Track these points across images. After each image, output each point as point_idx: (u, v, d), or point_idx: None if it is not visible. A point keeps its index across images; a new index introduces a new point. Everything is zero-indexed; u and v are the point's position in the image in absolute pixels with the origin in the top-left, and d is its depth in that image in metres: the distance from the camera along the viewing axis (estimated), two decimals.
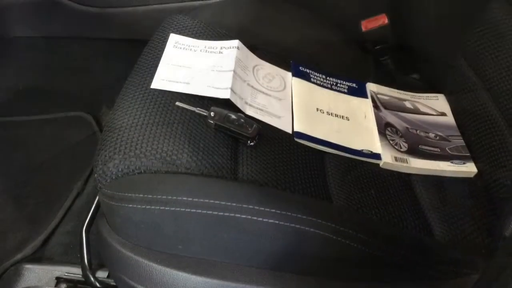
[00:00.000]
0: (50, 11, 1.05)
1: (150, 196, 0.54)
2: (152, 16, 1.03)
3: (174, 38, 0.81)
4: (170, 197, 0.53)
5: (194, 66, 0.76)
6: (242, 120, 0.65)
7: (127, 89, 0.69)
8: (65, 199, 0.91)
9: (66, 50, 1.15)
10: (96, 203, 0.73)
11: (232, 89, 0.71)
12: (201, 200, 0.53)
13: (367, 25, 0.89)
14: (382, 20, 0.88)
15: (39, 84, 1.13)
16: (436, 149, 0.76)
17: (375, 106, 0.83)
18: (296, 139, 0.71)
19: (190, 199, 0.53)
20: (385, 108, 0.84)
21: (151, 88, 0.69)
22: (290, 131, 0.72)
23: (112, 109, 0.66)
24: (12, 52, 1.15)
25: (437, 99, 0.86)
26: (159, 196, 0.54)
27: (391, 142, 0.77)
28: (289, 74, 0.83)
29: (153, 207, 0.53)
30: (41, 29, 1.14)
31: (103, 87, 1.12)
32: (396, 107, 0.84)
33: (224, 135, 0.65)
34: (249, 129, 0.64)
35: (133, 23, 1.06)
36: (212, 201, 0.53)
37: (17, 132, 1.05)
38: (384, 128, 0.79)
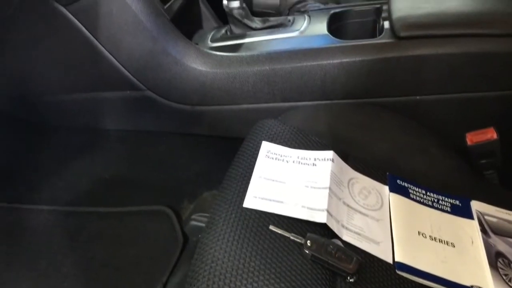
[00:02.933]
0: (143, 107, 1.09)
1: None
2: (241, 115, 1.03)
3: (266, 147, 0.79)
4: None
5: (288, 181, 0.72)
6: (341, 252, 0.59)
7: (220, 206, 0.66)
8: None
9: (153, 143, 1.17)
10: None
11: (328, 211, 0.66)
12: None
13: (472, 138, 0.82)
14: (491, 134, 0.81)
15: (125, 175, 1.15)
16: None
17: (483, 230, 0.74)
18: (398, 272, 0.64)
19: None
20: (494, 233, 0.75)
21: (244, 207, 0.65)
22: (390, 260, 0.65)
23: (205, 229, 0.63)
24: (102, 143, 1.19)
25: None
26: None
27: (504, 277, 0.67)
28: (386, 188, 0.77)
29: None
30: (132, 123, 1.17)
31: (185, 181, 1.12)
32: (507, 233, 0.75)
33: (321, 267, 0.60)
34: (349, 263, 0.58)
35: (221, 121, 1.06)
36: None
37: (99, 224, 1.06)
38: (495, 259, 0.70)
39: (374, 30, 1.10)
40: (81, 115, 1.18)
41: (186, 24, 1.15)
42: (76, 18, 0.95)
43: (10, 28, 0.99)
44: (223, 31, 1.14)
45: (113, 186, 1.14)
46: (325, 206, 0.67)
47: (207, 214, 1.00)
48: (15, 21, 0.97)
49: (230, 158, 0.82)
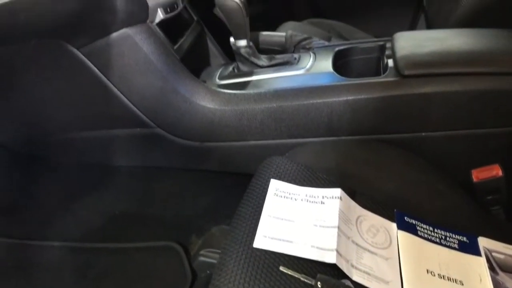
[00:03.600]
0: (152, 144, 1.10)
1: None
2: (248, 151, 1.05)
3: (274, 185, 0.80)
4: None
5: (297, 219, 0.73)
6: None
7: (230, 246, 0.67)
8: None
9: (162, 179, 1.19)
10: None
11: (337, 251, 0.67)
12: None
13: (478, 175, 0.84)
14: (496, 171, 0.82)
15: (134, 211, 1.16)
16: None
17: (491, 268, 0.75)
18: None
19: None
20: (502, 270, 0.75)
21: (254, 247, 0.66)
22: None
23: (216, 270, 0.64)
24: (111, 179, 1.20)
25: None
26: None
27: None
28: (394, 225, 0.78)
29: None
30: (141, 160, 1.19)
31: (193, 217, 1.13)
32: None
33: None
34: None
35: (229, 157, 1.08)
36: None
37: (108, 260, 1.07)
38: None
39: (378, 67, 1.12)
40: (91, 152, 1.20)
41: (195, 61, 1.18)
42: (89, 60, 0.98)
43: (24, 69, 1.02)
44: (230, 68, 1.17)
45: (122, 221, 1.15)
46: (334, 246, 0.67)
47: (215, 250, 1.02)
48: (29, 62, 1.00)
49: (238, 194, 0.83)
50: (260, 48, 1.23)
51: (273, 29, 1.56)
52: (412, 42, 0.98)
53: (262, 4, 1.98)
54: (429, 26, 1.61)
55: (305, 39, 1.24)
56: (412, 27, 1.89)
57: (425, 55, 0.93)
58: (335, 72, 1.03)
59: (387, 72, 0.97)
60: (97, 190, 1.21)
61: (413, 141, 0.94)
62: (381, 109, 0.93)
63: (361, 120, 0.95)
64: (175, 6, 1.06)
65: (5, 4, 0.64)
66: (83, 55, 0.97)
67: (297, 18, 1.71)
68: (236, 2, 0.99)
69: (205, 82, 1.11)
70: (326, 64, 1.08)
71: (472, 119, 0.90)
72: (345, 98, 0.94)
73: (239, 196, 0.82)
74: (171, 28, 1.08)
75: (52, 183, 1.24)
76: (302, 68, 1.07)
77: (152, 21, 1.00)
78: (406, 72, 0.91)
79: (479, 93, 0.88)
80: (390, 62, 0.99)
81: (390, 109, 0.93)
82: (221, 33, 1.16)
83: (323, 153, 0.93)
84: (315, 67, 1.07)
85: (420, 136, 0.94)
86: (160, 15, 1.01)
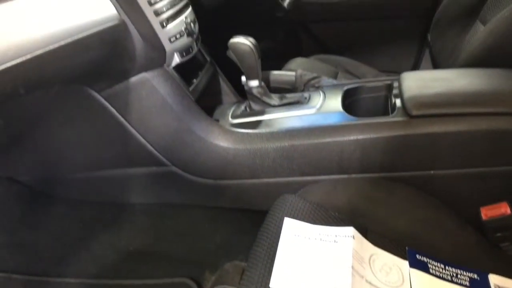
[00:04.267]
0: (167, 181, 1.13)
1: None
2: (261, 189, 1.07)
3: (288, 224, 0.82)
4: None
5: (311, 259, 0.75)
6: None
7: (247, 287, 0.69)
8: None
9: (176, 216, 1.21)
10: None
11: None
12: None
13: (487, 213, 0.86)
14: (504, 209, 0.84)
15: (148, 247, 1.18)
16: None
17: None
18: None
19: None
20: None
21: None
22: None
23: None
24: (126, 216, 1.23)
25: None
26: None
27: None
28: (406, 263, 0.80)
29: None
30: (156, 197, 1.22)
31: (207, 253, 1.15)
32: None
33: None
34: None
35: (242, 194, 1.10)
36: None
37: None
38: None
39: (386, 105, 1.15)
40: (108, 190, 1.24)
41: (208, 99, 1.22)
42: (109, 102, 1.02)
43: (46, 111, 1.06)
44: (242, 107, 1.20)
45: (137, 258, 1.17)
46: (349, 286, 0.69)
47: (229, 286, 1.03)
48: (51, 105, 1.04)
49: (251, 230, 0.85)
50: (270, 87, 1.27)
51: (282, 64, 1.61)
52: (419, 83, 1.02)
53: (271, 41, 2.04)
54: (434, 61, 1.65)
55: (314, 78, 1.28)
56: (417, 62, 1.93)
57: (432, 96, 0.96)
58: (344, 112, 1.06)
59: (395, 112, 1.00)
60: (112, 227, 1.23)
61: (422, 179, 0.97)
62: (390, 148, 0.96)
63: (371, 158, 0.97)
64: (190, 49, 1.11)
65: (34, 58, 0.68)
66: (103, 98, 1.01)
67: (305, 53, 1.76)
68: (249, 46, 1.03)
69: (218, 120, 1.15)
70: (335, 103, 1.11)
71: (480, 158, 0.92)
72: (355, 137, 0.97)
73: (252, 233, 0.84)
74: (186, 69, 1.13)
75: (68, 221, 1.27)
76: (313, 107, 1.11)
77: (169, 65, 1.05)
78: (414, 113, 0.94)
79: (486, 132, 0.90)
80: (398, 102, 1.02)
81: (399, 148, 0.95)
82: (232, 71, 1.20)
83: (334, 192, 0.96)
84: (325, 106, 1.11)
85: (429, 174, 0.96)
86: (176, 59, 1.05)
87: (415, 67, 1.94)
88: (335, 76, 1.56)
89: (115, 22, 0.88)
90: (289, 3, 1.50)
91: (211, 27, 1.34)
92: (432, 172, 0.96)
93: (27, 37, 0.68)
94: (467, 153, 0.93)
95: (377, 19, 1.94)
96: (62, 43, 0.73)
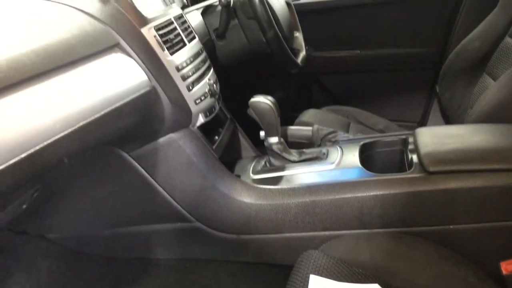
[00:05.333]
0: (191, 237, 1.16)
1: None
2: (283, 244, 1.10)
3: (314, 281, 0.85)
4: None
5: None
6: None
7: None
8: None
9: (199, 271, 1.23)
10: None
11: None
12: None
13: (507, 267, 0.88)
14: None
15: None
16: None
17: None
18: None
19: None
20: None
21: None
22: None
23: None
24: (152, 272, 1.25)
25: None
26: None
27: None
28: None
29: None
30: (181, 252, 1.25)
31: None
32: None
33: None
34: None
35: (264, 249, 1.13)
36: None
37: None
38: None
39: (401, 159, 1.19)
40: (134, 246, 1.27)
41: (228, 154, 1.27)
42: (137, 162, 1.07)
43: (76, 173, 1.11)
44: (262, 162, 1.25)
45: None
46: None
47: None
48: (83, 166, 1.09)
49: (274, 284, 0.87)
50: (288, 141, 1.31)
51: (295, 115, 1.66)
52: (434, 139, 1.06)
53: (284, 93, 2.11)
54: (443, 112, 1.69)
55: (330, 132, 1.33)
56: (426, 112, 1.98)
57: (448, 152, 1.00)
58: (363, 167, 1.10)
59: (412, 168, 1.03)
60: (137, 283, 1.25)
61: (441, 234, 0.99)
62: (409, 204, 0.99)
63: (391, 214, 1.00)
64: (213, 109, 1.16)
65: (78, 128, 0.72)
66: (132, 158, 1.06)
67: (316, 104, 1.82)
68: (269, 104, 1.09)
69: (239, 176, 1.19)
70: (353, 158, 1.15)
71: (498, 213, 0.95)
72: (374, 193, 1.00)
73: (275, 287, 0.86)
74: (209, 127, 1.18)
75: (96, 278, 1.29)
76: (331, 163, 1.15)
77: (194, 125, 1.10)
78: (431, 169, 0.98)
79: (502, 188, 0.93)
80: (415, 157, 1.06)
81: (417, 203, 0.98)
82: (251, 127, 1.25)
83: (357, 247, 0.98)
84: (344, 162, 1.14)
85: (448, 229, 0.98)
86: (201, 119, 1.11)
87: (424, 117, 2.00)
88: (347, 127, 1.61)
89: (147, 88, 0.93)
90: (302, 59, 1.57)
91: (230, 85, 1.41)
92: (451, 227, 0.98)
93: (72, 110, 0.73)
94: (485, 208, 0.95)
95: (386, 71, 2.01)
96: (103, 112, 0.78)
